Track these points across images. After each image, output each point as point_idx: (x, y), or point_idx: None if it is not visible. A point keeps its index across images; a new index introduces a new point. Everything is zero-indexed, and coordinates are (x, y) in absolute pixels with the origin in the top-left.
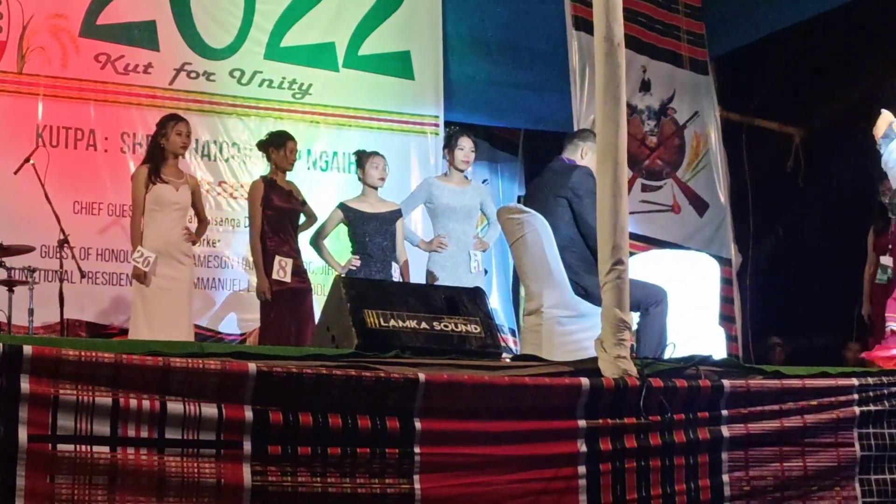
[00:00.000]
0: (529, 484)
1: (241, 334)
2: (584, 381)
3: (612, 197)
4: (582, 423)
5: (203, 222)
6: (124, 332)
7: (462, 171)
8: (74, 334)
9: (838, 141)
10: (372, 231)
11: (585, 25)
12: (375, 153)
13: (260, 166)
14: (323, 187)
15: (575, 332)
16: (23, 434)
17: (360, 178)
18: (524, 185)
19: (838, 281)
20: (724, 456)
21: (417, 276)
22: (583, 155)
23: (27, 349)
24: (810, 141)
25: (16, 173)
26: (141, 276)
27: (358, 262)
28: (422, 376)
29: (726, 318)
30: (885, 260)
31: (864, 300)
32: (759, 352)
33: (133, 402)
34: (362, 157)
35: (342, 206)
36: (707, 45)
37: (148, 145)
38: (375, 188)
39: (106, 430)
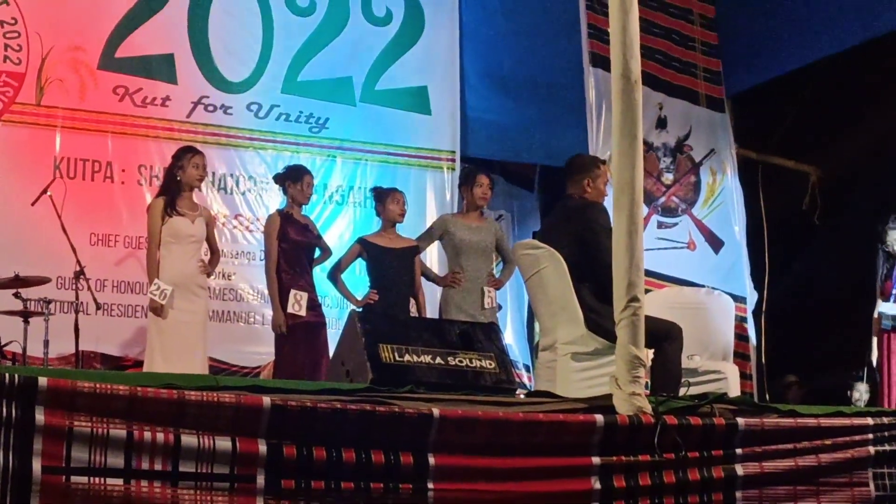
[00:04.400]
0: None
1: (256, 367)
2: (599, 417)
3: (627, 234)
4: (596, 460)
5: (215, 254)
6: (139, 364)
7: (479, 207)
8: (89, 366)
9: (854, 180)
10: (391, 266)
11: (602, 62)
12: (395, 189)
13: (276, 199)
14: (339, 221)
15: (589, 368)
16: (37, 465)
17: (378, 214)
18: (540, 220)
19: (854, 319)
20: (739, 494)
21: (431, 312)
22: (588, 186)
23: (42, 381)
24: (827, 179)
25: (33, 205)
26: (158, 309)
27: (376, 297)
28: (436, 411)
29: (740, 356)
30: (886, 307)
31: (871, 347)
32: (775, 390)
33: (147, 435)
34: (382, 194)
35: (361, 241)
36: (724, 83)
37: (164, 177)
38: (394, 224)
39: (120, 463)
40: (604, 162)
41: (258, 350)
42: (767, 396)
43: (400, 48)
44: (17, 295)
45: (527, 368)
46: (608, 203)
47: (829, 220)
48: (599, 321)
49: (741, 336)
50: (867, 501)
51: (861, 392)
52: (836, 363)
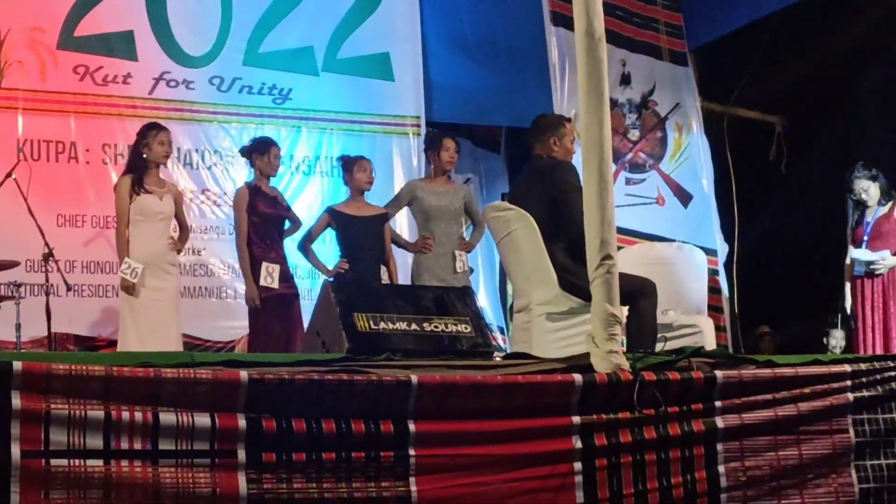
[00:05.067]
0: (526, 482)
1: (230, 342)
2: (577, 377)
3: (598, 192)
4: (576, 419)
5: (185, 230)
6: (112, 343)
7: (446, 171)
8: (62, 348)
9: (820, 129)
10: (360, 234)
11: (564, 21)
12: (362, 157)
13: (243, 173)
14: (307, 192)
15: (565, 328)
16: (16, 450)
17: (346, 183)
18: (508, 182)
19: (825, 268)
20: (720, 447)
21: (403, 279)
22: (555, 145)
23: (17, 365)
24: (792, 129)
25: None
26: (129, 288)
27: (346, 266)
28: (414, 378)
29: (714, 309)
30: (857, 253)
31: (845, 293)
32: (749, 341)
33: (125, 415)
34: (348, 162)
35: (330, 211)
36: (686, 37)
37: (129, 155)
38: (362, 192)
39: (99, 444)
40: (569, 120)
41: (232, 324)
42: (742, 348)
43: (360, 15)
44: None
45: (501, 331)
46: (577, 161)
47: (796, 169)
48: (573, 280)
49: (714, 289)
50: (847, 448)
51: (837, 338)
52: (810, 312)
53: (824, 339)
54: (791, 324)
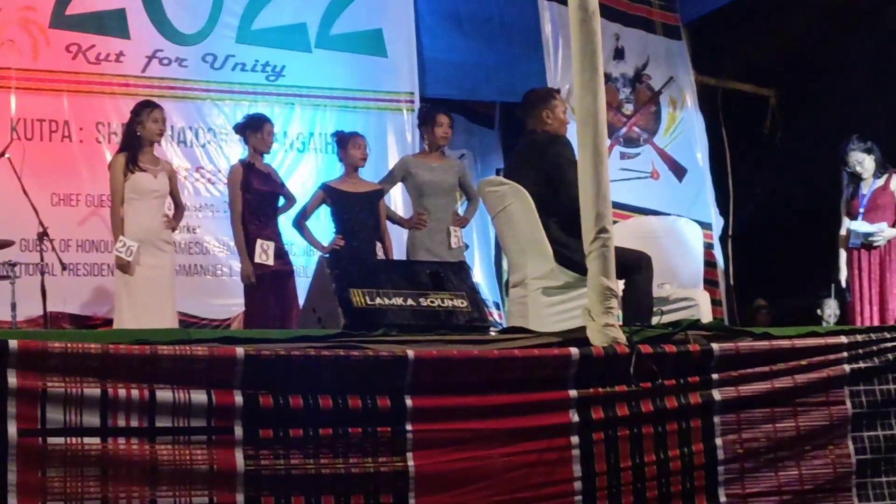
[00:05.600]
0: (523, 456)
1: (226, 319)
2: (574, 350)
3: (593, 166)
4: (573, 392)
5: (180, 208)
6: (108, 322)
7: (440, 147)
8: (58, 327)
9: (814, 101)
10: (355, 211)
11: None
12: (356, 134)
13: (237, 150)
14: (301, 169)
15: (561, 302)
16: (12, 429)
17: (340, 159)
18: (502, 157)
19: (820, 239)
20: (717, 419)
21: (398, 255)
22: (548, 118)
23: (13, 343)
24: (786, 102)
25: None
26: (125, 266)
27: (342, 242)
28: (410, 353)
29: (710, 283)
30: (856, 225)
31: (840, 265)
32: (745, 314)
33: (122, 392)
34: (343, 139)
35: (325, 187)
36: (679, 10)
37: (123, 134)
38: (357, 168)
39: (96, 421)
40: (558, 91)
41: (227, 302)
42: (738, 321)
43: None
44: None
45: (497, 306)
46: (571, 135)
47: (790, 142)
48: (569, 254)
49: (709, 262)
50: (844, 419)
51: (832, 308)
52: (805, 284)
53: (818, 310)
54: (787, 296)
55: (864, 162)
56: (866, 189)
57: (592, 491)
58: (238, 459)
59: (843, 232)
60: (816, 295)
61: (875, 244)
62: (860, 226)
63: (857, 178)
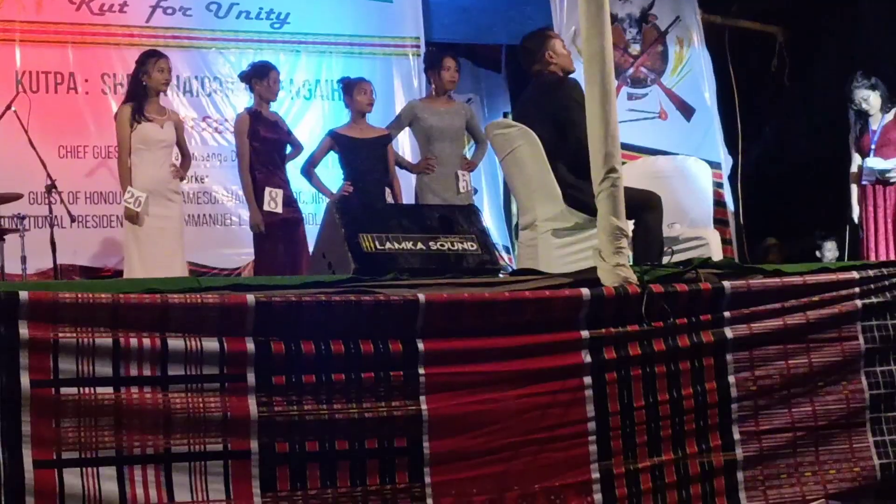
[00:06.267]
0: (536, 398)
1: (236, 268)
2: (585, 291)
3: (601, 106)
4: (585, 333)
5: (187, 158)
6: (118, 273)
7: (447, 91)
8: (68, 279)
9: (821, 38)
10: (363, 157)
11: None
12: (362, 79)
13: (243, 99)
14: (307, 116)
15: (571, 243)
16: (25, 380)
17: (347, 106)
18: (510, 101)
19: (829, 177)
20: (729, 357)
21: (407, 200)
22: (551, 58)
23: (23, 295)
24: (793, 40)
25: None
26: (133, 217)
27: (351, 189)
28: (422, 297)
29: (720, 222)
30: (872, 162)
31: (852, 203)
32: (755, 254)
33: (134, 342)
34: (349, 85)
35: (332, 134)
36: None
37: (129, 84)
38: (364, 114)
39: (108, 371)
40: (550, 29)
41: (237, 251)
42: (748, 260)
43: None
44: None
45: (507, 250)
46: (579, 75)
47: (798, 80)
48: (578, 196)
49: (719, 202)
50: (857, 354)
51: (831, 251)
52: (815, 222)
53: (817, 252)
54: (797, 235)
55: (869, 98)
56: (875, 125)
57: (606, 431)
58: (251, 406)
59: (853, 169)
60: (818, 234)
61: (891, 180)
62: (875, 163)
63: (864, 115)
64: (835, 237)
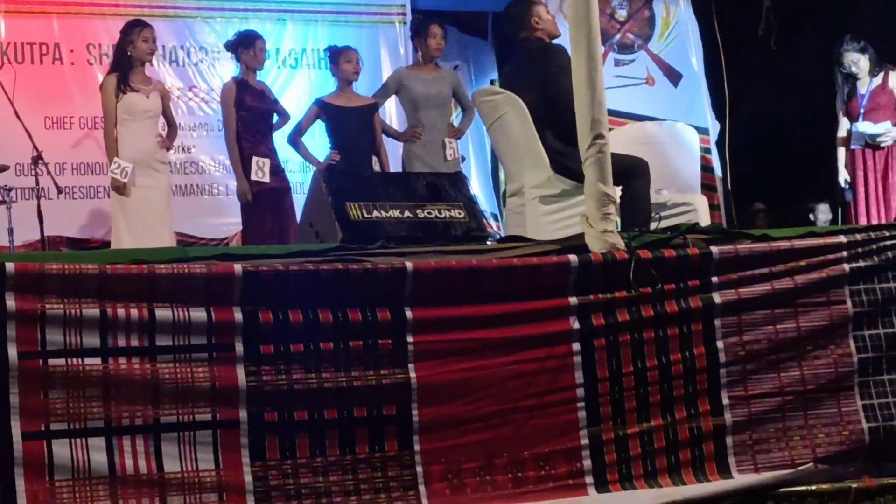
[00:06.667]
0: (525, 365)
1: (224, 238)
2: (573, 258)
3: (587, 72)
4: (573, 300)
5: (173, 128)
6: (106, 244)
7: (434, 59)
8: (56, 251)
9: (808, 2)
10: (350, 125)
11: None
12: (348, 48)
13: (229, 68)
14: (294, 85)
15: (558, 210)
16: (12, 352)
17: (333, 74)
18: (496, 67)
19: (818, 143)
20: (718, 322)
21: (394, 169)
22: (536, 24)
23: (10, 266)
24: (780, 3)
25: None
26: (120, 188)
27: (338, 157)
28: (409, 265)
29: (707, 188)
30: (862, 126)
31: (839, 166)
32: (743, 219)
33: (121, 312)
34: (335, 53)
35: (319, 103)
36: None
37: (114, 54)
38: (350, 83)
39: (96, 342)
40: None
41: (225, 221)
42: (736, 226)
43: None
44: None
45: (495, 218)
46: (565, 41)
47: (785, 44)
48: (565, 162)
49: (706, 168)
50: (845, 319)
51: (824, 213)
52: (803, 187)
53: (811, 216)
54: (785, 200)
55: (858, 62)
56: (864, 89)
57: (595, 397)
58: (240, 376)
59: (842, 133)
60: (810, 197)
61: (882, 144)
62: (866, 127)
63: (852, 79)
64: (828, 200)
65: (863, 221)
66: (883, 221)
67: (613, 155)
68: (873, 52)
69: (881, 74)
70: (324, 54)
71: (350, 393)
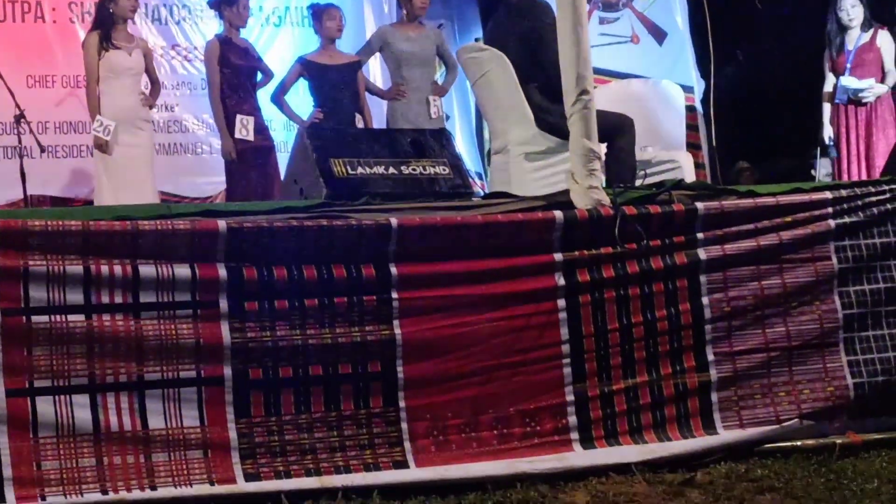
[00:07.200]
0: (510, 321)
1: (208, 197)
2: (558, 213)
3: (572, 28)
4: (558, 256)
5: (156, 85)
6: (89, 204)
7: (418, 16)
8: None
9: None
10: (334, 83)
11: None
12: (331, 5)
13: (213, 26)
14: (278, 43)
15: (543, 167)
16: None
17: (316, 32)
18: (481, 26)
19: (803, 101)
20: (703, 279)
21: (378, 126)
22: None
23: None
24: None
25: None
26: (103, 146)
27: (321, 116)
28: (394, 221)
29: (692, 146)
30: (846, 81)
31: (824, 123)
32: (728, 178)
33: (105, 269)
34: (319, 11)
35: (302, 61)
36: None
37: (96, 11)
38: (333, 41)
39: (80, 299)
40: None
41: (209, 179)
42: (721, 183)
43: None
44: None
45: (480, 176)
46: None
47: (770, 2)
48: (550, 119)
49: (691, 126)
50: (830, 275)
51: (826, 168)
52: (789, 146)
53: (812, 171)
54: (770, 158)
55: (855, 9)
56: (851, 45)
57: (580, 353)
58: (224, 333)
59: (828, 88)
60: (803, 156)
61: (864, 100)
62: (850, 82)
63: (843, 31)
64: (814, 156)
65: (845, 178)
66: (865, 177)
67: (598, 112)
68: (867, 6)
69: (870, 32)
70: (307, 12)
71: (335, 349)
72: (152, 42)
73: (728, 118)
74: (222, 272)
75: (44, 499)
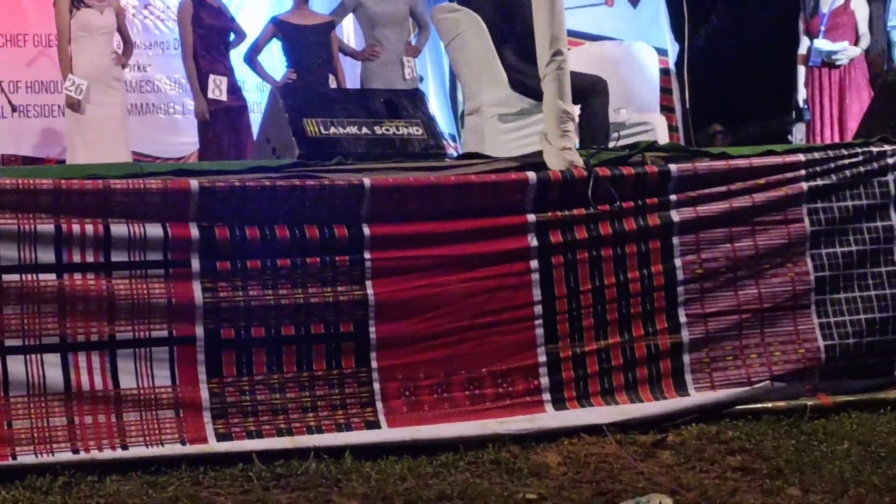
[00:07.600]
0: (483, 282)
1: (180, 157)
2: (531, 174)
3: None
4: (531, 217)
5: (128, 45)
6: (61, 163)
7: None
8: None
9: None
10: (307, 44)
11: None
12: None
13: None
14: (250, 3)
15: (517, 129)
16: None
17: None
18: None
19: (777, 65)
20: (675, 241)
21: (352, 87)
22: None
23: None
24: None
25: None
26: (75, 105)
27: (294, 76)
28: (367, 181)
29: (666, 109)
30: (819, 44)
31: (798, 85)
32: (701, 141)
33: (76, 228)
34: None
35: (275, 21)
36: None
37: None
38: (307, 1)
39: (51, 258)
40: None
41: (182, 140)
42: (695, 147)
43: None
44: None
45: (453, 138)
46: None
47: None
48: (524, 80)
49: (665, 89)
50: (803, 237)
51: (802, 132)
52: (762, 109)
53: (789, 136)
54: (743, 121)
55: None
56: (825, 8)
57: (553, 314)
58: (196, 292)
59: (802, 51)
60: (775, 118)
61: (837, 63)
62: (823, 44)
63: None
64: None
65: (818, 141)
66: (838, 140)
67: (572, 73)
68: None
69: None
70: None
71: (307, 309)
72: (124, 1)
73: (702, 81)
74: (194, 231)
75: (14, 458)
